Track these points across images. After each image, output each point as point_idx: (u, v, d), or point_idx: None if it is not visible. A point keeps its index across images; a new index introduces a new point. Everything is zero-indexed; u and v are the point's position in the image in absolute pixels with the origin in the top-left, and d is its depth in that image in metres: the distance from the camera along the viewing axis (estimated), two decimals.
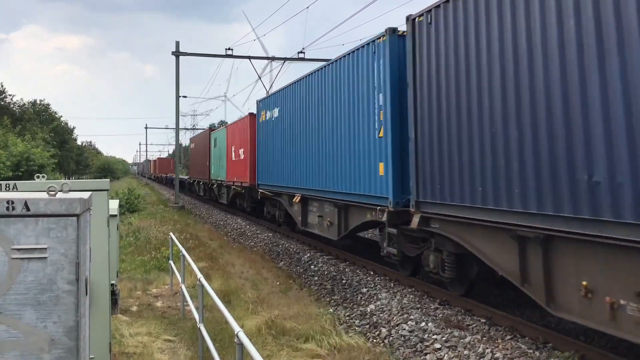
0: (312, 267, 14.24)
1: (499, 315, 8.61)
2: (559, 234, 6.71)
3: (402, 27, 10.68)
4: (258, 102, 21.77)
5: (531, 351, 7.27)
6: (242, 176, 25.65)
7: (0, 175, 26.80)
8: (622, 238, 5.84)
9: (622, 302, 6.01)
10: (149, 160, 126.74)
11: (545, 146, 6.85)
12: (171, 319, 9.07)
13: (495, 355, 7.21)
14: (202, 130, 49.01)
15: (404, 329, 8.60)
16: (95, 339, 4.65)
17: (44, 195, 3.12)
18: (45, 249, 3.03)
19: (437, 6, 9.15)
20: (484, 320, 8.65)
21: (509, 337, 7.88)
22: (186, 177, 51.99)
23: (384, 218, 10.97)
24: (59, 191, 3.20)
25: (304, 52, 34.37)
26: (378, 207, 11.31)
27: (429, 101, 9.43)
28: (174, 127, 37.13)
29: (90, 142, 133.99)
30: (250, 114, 24.35)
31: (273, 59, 35.59)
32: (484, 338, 7.88)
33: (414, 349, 7.92)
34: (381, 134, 11.28)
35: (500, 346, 7.53)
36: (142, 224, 22.30)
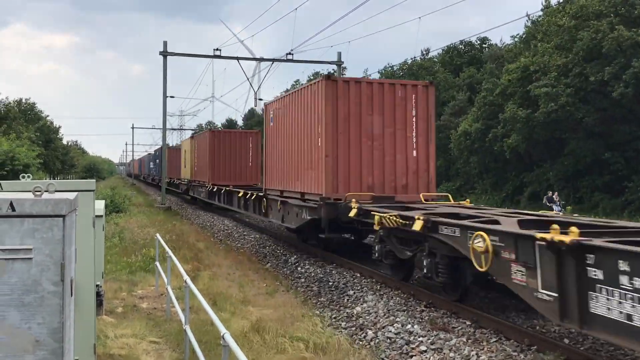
0: (299, 269, 14.23)
1: (484, 318, 8.66)
2: None
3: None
4: None
5: (516, 354, 7.32)
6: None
7: None
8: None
9: None
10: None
11: None
12: (157, 320, 9.01)
13: (481, 358, 7.25)
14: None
15: (390, 331, 8.62)
16: (80, 341, 4.62)
17: (30, 195, 3.09)
18: (30, 249, 3.01)
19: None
20: (469, 323, 8.69)
21: (494, 339, 7.93)
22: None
23: None
24: (45, 191, 3.18)
25: (292, 54, 34.37)
26: None
27: None
28: (161, 127, 36.89)
29: (76, 141, 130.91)
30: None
31: (261, 59, 35.52)
32: (469, 340, 7.93)
33: (400, 351, 7.94)
34: None
35: (486, 348, 7.58)
36: (128, 224, 22.15)
